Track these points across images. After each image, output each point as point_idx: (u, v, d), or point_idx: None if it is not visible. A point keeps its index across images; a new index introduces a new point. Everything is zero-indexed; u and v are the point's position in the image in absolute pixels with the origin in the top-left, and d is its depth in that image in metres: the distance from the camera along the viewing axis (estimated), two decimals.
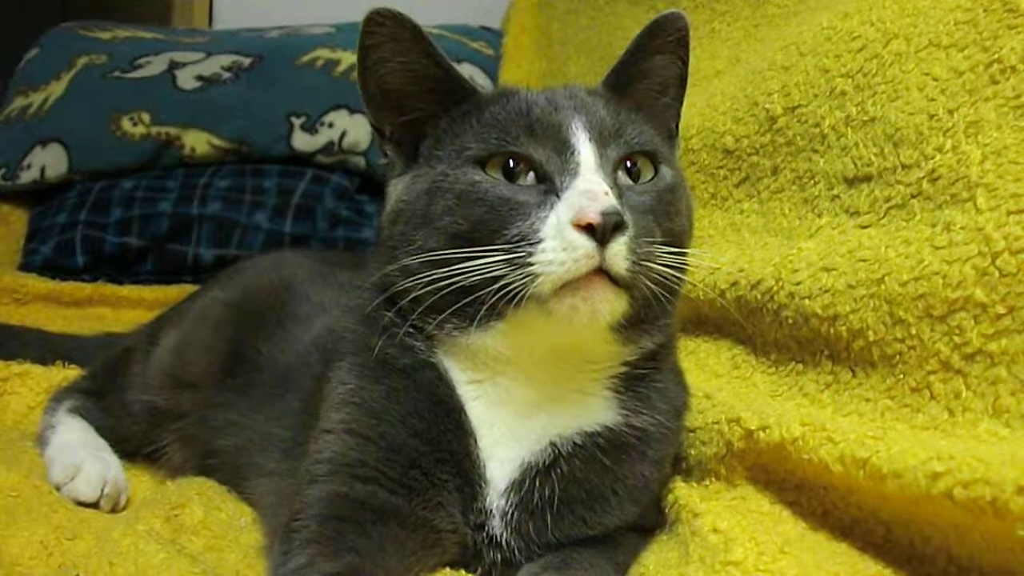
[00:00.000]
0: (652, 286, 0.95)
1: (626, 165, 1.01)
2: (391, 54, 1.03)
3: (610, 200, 0.92)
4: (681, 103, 1.16)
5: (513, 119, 1.00)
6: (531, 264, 0.91)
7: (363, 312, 1.08)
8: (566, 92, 1.07)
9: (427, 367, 1.04)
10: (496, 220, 0.95)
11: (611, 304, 0.94)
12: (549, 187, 0.96)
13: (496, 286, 0.92)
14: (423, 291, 0.97)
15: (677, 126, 1.16)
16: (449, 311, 0.97)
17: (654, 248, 0.95)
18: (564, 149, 0.98)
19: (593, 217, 0.89)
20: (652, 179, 1.03)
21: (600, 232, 0.90)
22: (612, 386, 1.06)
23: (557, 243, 0.91)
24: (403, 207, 1.03)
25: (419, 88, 1.05)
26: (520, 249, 0.92)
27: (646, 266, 0.94)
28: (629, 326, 1.01)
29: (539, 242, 0.92)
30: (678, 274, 0.99)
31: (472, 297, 0.94)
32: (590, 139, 0.98)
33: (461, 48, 2.89)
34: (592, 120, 1.00)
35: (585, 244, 0.90)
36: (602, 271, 0.91)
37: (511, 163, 0.98)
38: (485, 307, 0.95)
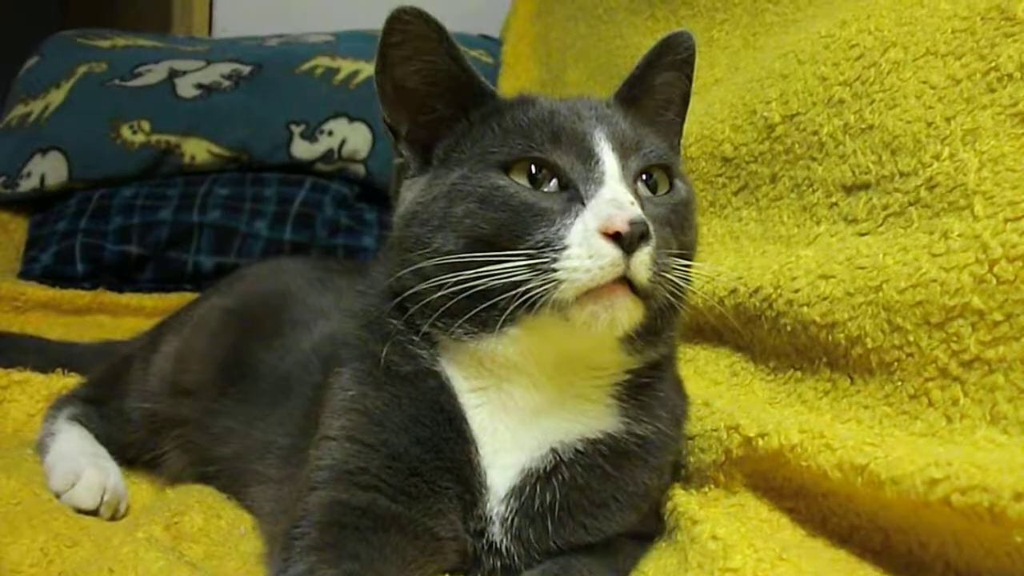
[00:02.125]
0: (668, 297, 0.96)
1: (643, 177, 1.02)
2: (414, 53, 1.03)
3: (636, 210, 0.93)
4: (683, 120, 1.17)
5: (537, 125, 1.01)
6: (555, 270, 0.92)
7: (367, 317, 1.08)
8: (585, 103, 1.07)
9: (430, 375, 1.04)
10: (520, 225, 0.95)
11: (630, 313, 0.94)
12: (573, 194, 0.96)
13: (517, 291, 0.93)
14: (438, 295, 0.97)
15: (679, 142, 1.18)
16: (464, 316, 0.97)
17: (670, 260, 0.96)
18: (588, 158, 0.98)
19: (621, 225, 0.90)
20: (668, 192, 1.04)
21: (627, 241, 0.90)
22: (615, 394, 1.06)
23: (583, 250, 0.91)
24: (419, 209, 1.02)
25: (439, 89, 1.05)
26: (544, 255, 0.92)
27: (664, 277, 0.94)
28: (640, 336, 1.01)
29: (564, 248, 0.92)
30: (689, 287, 1.00)
31: (490, 302, 0.94)
32: (613, 149, 0.99)
33: None
34: (614, 131, 1.01)
35: (612, 252, 0.90)
36: (625, 280, 0.92)
37: (535, 169, 0.98)
38: (504, 313, 0.95)
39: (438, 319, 1.00)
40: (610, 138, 1.00)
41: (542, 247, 0.93)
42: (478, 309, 0.95)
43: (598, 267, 0.91)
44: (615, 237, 0.90)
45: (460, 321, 0.98)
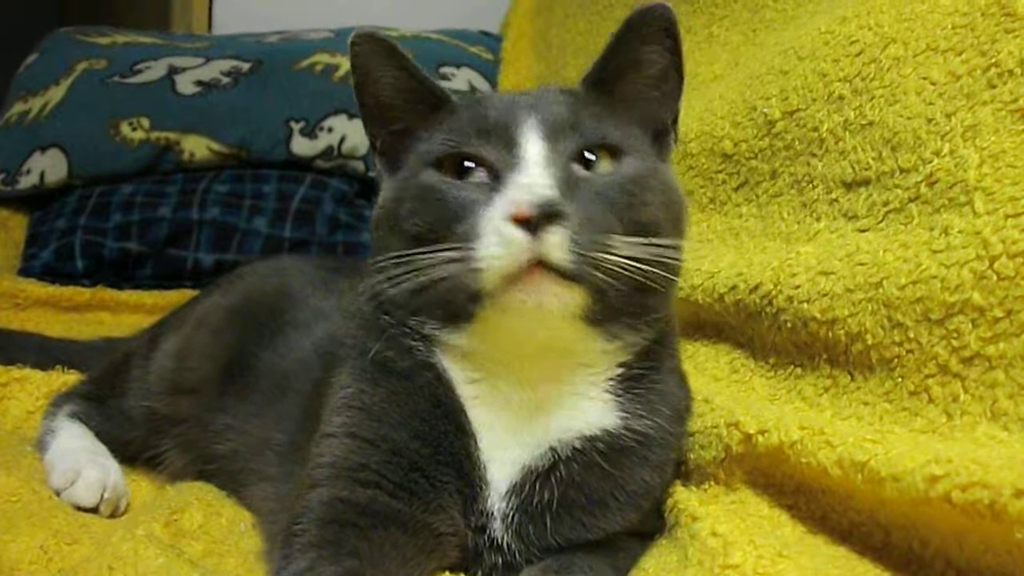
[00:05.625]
0: (607, 279, 0.93)
1: (587, 158, 1.01)
2: (374, 69, 1.08)
3: (544, 191, 0.92)
4: (675, 96, 1.12)
5: (470, 121, 1.03)
6: (474, 260, 0.92)
7: (363, 316, 1.09)
8: (535, 92, 1.09)
9: (426, 368, 1.04)
10: (447, 219, 0.96)
11: (559, 297, 0.93)
12: (495, 184, 0.97)
13: (446, 285, 0.94)
14: (394, 293, 1.00)
15: (675, 120, 1.14)
16: (423, 313, 1.00)
17: (610, 239, 0.94)
18: (512, 146, 0.99)
19: (525, 208, 0.90)
20: (613, 170, 1.02)
21: (533, 223, 0.90)
22: (610, 389, 1.05)
23: (495, 238, 0.91)
24: (380, 213, 1.07)
25: (402, 100, 1.09)
26: (465, 246, 0.93)
27: (597, 257, 0.92)
28: (604, 320, 0.99)
29: (480, 238, 0.93)
30: (650, 267, 0.96)
31: (434, 298, 0.97)
32: (541, 134, 0.99)
33: (460, 53, 2.90)
34: (546, 116, 1.01)
35: (519, 237, 0.90)
36: (545, 264, 0.91)
37: (464, 163, 1.00)
38: (448, 307, 0.97)
39: (404, 316, 1.02)
40: (540, 124, 1.00)
41: (463, 239, 0.94)
42: (426, 305, 0.99)
43: (508, 253, 0.91)
44: (524, 221, 0.90)
45: (422, 318, 1.01)
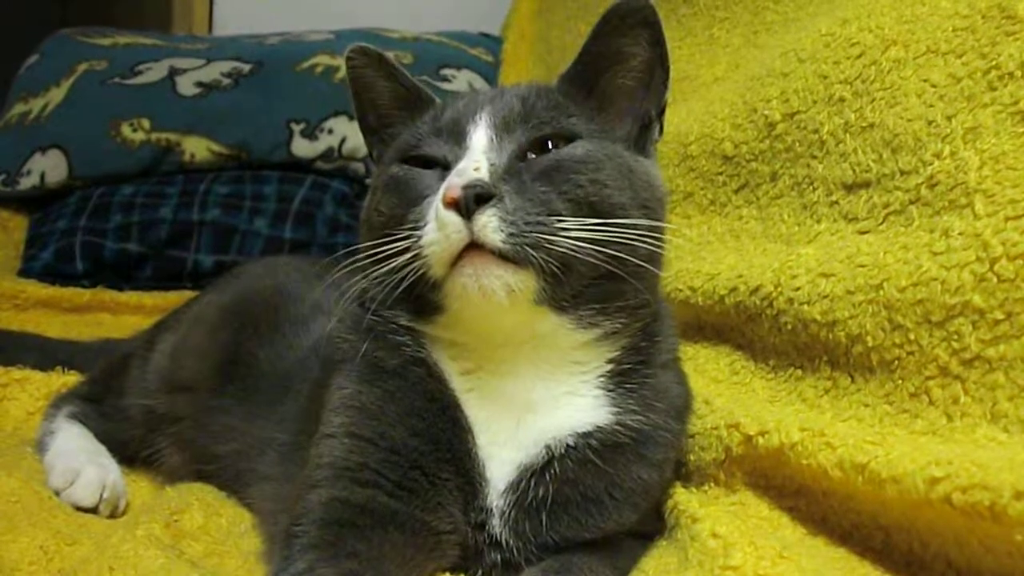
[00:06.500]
0: (554, 260, 0.93)
1: (547, 147, 1.01)
2: (369, 80, 1.13)
3: (474, 174, 0.93)
4: (660, 89, 1.11)
5: (431, 120, 1.07)
6: (419, 247, 0.94)
7: (354, 317, 1.10)
8: (500, 88, 1.11)
9: (416, 364, 1.05)
10: (405, 207, 0.99)
11: (502, 279, 0.92)
12: (445, 175, 0.98)
13: (404, 273, 0.95)
14: (369, 288, 1.01)
15: (660, 113, 1.13)
16: (396, 305, 1.01)
17: (553, 220, 0.93)
18: (461, 140, 1.01)
19: (454, 192, 0.91)
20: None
21: (463, 205, 0.91)
22: (601, 385, 1.05)
23: (435, 223, 0.93)
24: (362, 212, 1.11)
25: (396, 107, 1.13)
26: (414, 234, 0.95)
27: (538, 239, 0.92)
28: (570, 306, 0.99)
29: (426, 225, 0.95)
30: (608, 250, 0.95)
31: (398, 288, 0.97)
32: (488, 126, 1.01)
33: (460, 54, 2.90)
34: (497, 109, 1.03)
35: (453, 219, 0.91)
36: (481, 246, 0.91)
37: (417, 163, 1.04)
38: (413, 297, 0.98)
39: (384, 310, 1.03)
40: (489, 116, 1.02)
41: (412, 228, 0.96)
42: (398, 297, 0.99)
43: (444, 236, 0.92)
44: (455, 204, 0.91)
45: (397, 310, 1.03)
